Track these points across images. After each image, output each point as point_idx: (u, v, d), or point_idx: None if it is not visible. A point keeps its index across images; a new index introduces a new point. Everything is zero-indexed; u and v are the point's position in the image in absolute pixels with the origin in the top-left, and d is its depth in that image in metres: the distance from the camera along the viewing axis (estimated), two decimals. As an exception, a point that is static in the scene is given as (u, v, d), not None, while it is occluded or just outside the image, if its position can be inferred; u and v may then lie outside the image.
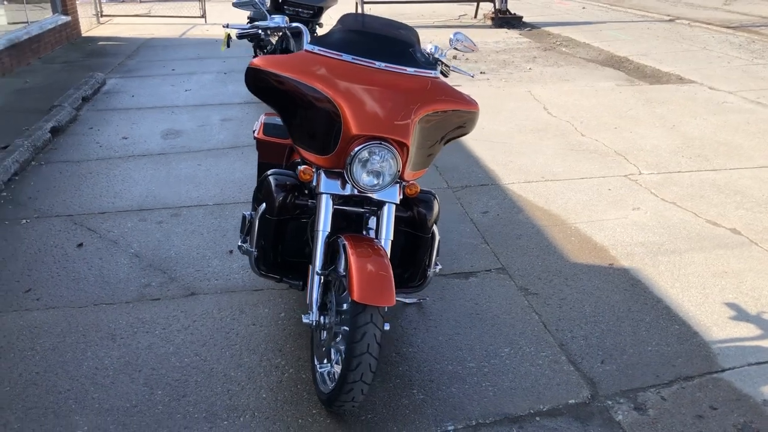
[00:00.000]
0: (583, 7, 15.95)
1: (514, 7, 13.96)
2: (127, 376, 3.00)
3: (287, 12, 7.53)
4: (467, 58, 9.90)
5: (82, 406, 2.83)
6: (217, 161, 5.59)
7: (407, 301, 3.52)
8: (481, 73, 8.91)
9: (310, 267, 2.81)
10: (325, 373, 2.76)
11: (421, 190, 3.11)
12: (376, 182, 2.71)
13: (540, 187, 5.06)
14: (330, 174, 2.78)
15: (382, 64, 2.80)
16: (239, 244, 3.16)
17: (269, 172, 3.01)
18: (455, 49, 3.28)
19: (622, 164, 5.52)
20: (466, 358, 3.12)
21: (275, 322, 3.37)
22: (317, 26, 7.36)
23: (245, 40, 7.46)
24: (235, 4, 3.09)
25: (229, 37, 3.22)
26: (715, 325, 3.37)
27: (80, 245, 4.18)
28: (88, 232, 4.37)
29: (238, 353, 3.14)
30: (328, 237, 2.78)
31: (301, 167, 2.79)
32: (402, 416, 2.76)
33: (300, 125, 2.82)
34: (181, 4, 15.67)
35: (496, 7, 13.23)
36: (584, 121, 6.70)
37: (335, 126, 2.69)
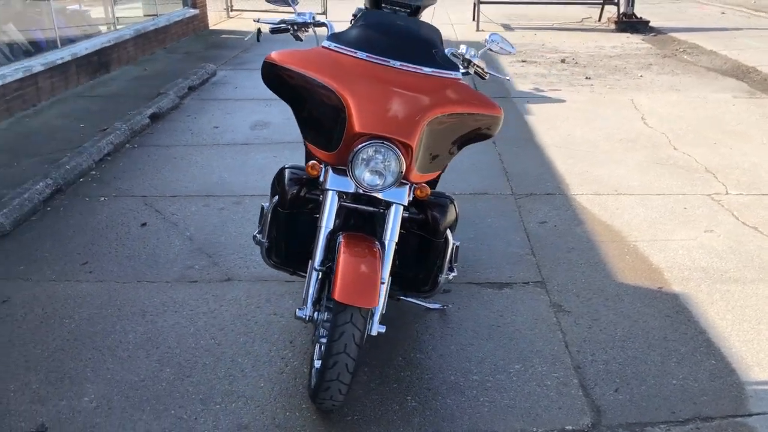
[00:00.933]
0: (722, 12, 14.92)
1: (642, 11, 13.28)
2: (144, 352, 3.16)
3: (385, 10, 7.58)
4: (576, 62, 9.55)
5: (96, 375, 3.01)
6: (292, 154, 5.74)
7: (430, 306, 3.47)
8: (586, 78, 8.56)
9: (310, 261, 2.83)
10: (313, 370, 2.78)
11: (436, 193, 3.06)
12: (378, 182, 2.68)
13: (609, 201, 4.81)
14: (337, 171, 2.78)
15: (398, 63, 2.77)
16: (254, 234, 3.24)
17: (286, 165, 3.05)
18: (490, 50, 3.19)
19: (709, 182, 5.13)
20: (472, 370, 3.04)
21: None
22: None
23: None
24: (268, 0, 3.16)
25: (259, 31, 3.29)
26: (758, 365, 3.07)
27: (143, 225, 4.44)
28: (155, 213, 4.62)
29: (250, 341, 3.23)
30: (333, 233, 2.78)
31: (310, 162, 2.81)
32: (387, 421, 2.73)
33: (308, 120, 2.84)
34: None
35: (621, 11, 12.66)
36: (681, 134, 6.29)
37: (340, 122, 2.69)
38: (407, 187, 2.81)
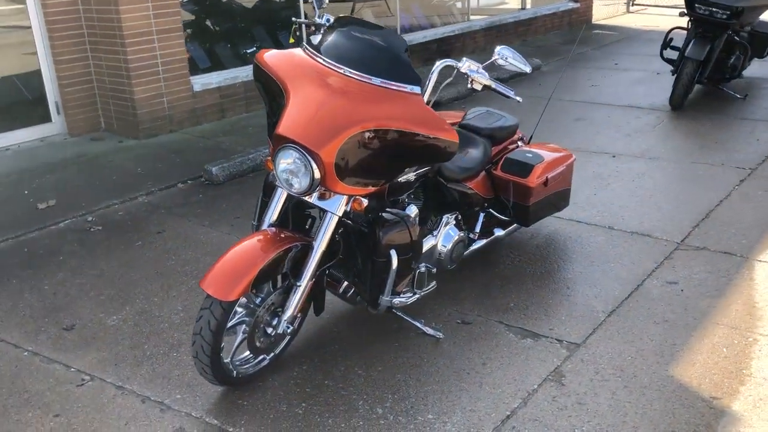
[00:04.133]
0: None
1: None
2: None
3: (699, 12, 6.62)
4: None
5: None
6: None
7: (427, 330, 3.29)
8: None
9: None
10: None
11: (393, 211, 2.95)
12: (295, 185, 2.74)
13: (799, 280, 3.66)
14: None
15: (348, 71, 2.74)
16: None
17: None
18: (497, 64, 2.87)
19: None
20: (388, 399, 2.87)
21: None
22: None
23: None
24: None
25: (296, 31, 3.45)
26: None
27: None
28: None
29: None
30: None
31: (267, 158, 2.99)
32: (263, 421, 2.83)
33: (268, 116, 3.00)
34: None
35: None
36: None
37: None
38: (342, 197, 2.80)
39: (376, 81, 2.72)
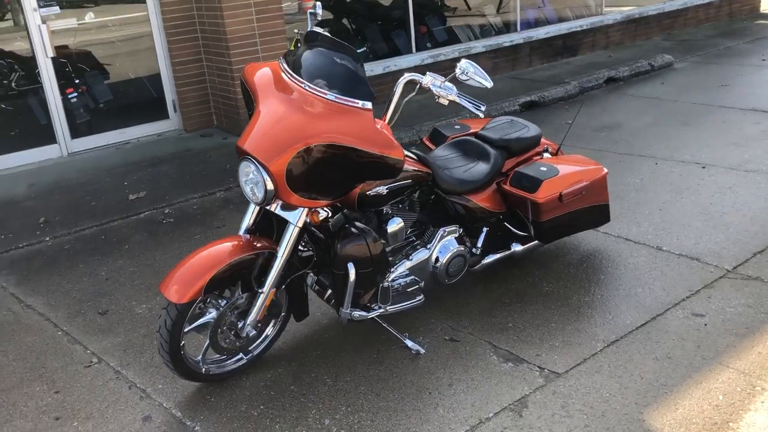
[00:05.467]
0: None
1: None
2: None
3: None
4: None
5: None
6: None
7: (408, 344, 3.26)
8: None
9: None
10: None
11: (360, 226, 2.97)
12: (254, 195, 2.84)
13: None
14: None
15: (307, 85, 2.79)
16: None
17: None
18: (457, 78, 2.79)
19: None
20: (340, 411, 2.90)
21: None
22: None
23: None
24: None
25: (297, 42, 3.49)
26: None
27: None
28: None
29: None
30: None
31: None
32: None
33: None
34: None
35: None
36: None
37: None
38: (302, 209, 2.87)
39: (330, 96, 2.74)
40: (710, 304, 3.42)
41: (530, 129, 3.72)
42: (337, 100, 2.73)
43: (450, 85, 2.86)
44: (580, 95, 7.28)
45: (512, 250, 3.68)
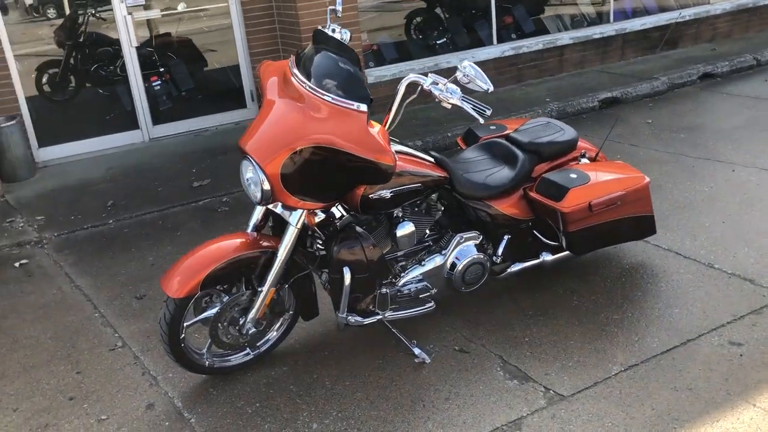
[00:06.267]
0: None
1: None
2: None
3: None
4: None
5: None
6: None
7: (415, 352, 3.16)
8: None
9: None
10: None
11: (360, 232, 2.91)
12: (255, 195, 2.84)
13: None
14: None
15: (309, 85, 2.75)
16: None
17: None
18: (456, 80, 2.67)
19: None
20: (330, 416, 2.85)
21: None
22: None
23: None
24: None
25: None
26: None
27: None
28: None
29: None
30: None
31: None
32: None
33: None
34: None
35: None
36: None
37: None
38: (300, 211, 2.85)
39: (328, 97, 2.69)
40: (752, 333, 3.10)
41: (566, 132, 3.50)
42: (334, 101, 2.68)
43: (454, 87, 2.74)
44: (669, 92, 6.82)
45: (541, 259, 3.49)
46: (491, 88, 2.73)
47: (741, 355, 2.97)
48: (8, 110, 6.00)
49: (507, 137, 3.51)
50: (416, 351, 3.17)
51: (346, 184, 2.78)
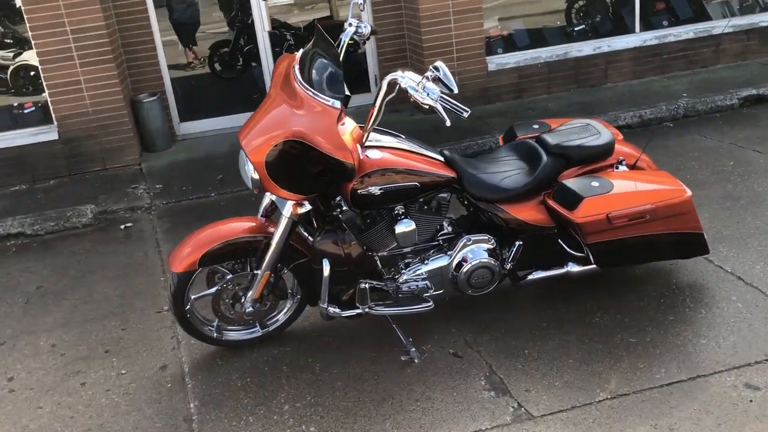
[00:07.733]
0: None
1: None
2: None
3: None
4: None
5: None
6: None
7: (410, 350, 3.14)
8: None
9: None
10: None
11: (339, 222, 2.96)
12: (247, 181, 2.98)
13: None
14: None
15: (299, 80, 2.83)
16: None
17: None
18: (426, 78, 2.63)
19: None
20: (304, 400, 2.94)
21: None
22: None
23: None
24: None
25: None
26: None
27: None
28: None
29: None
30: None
31: None
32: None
33: None
34: None
35: None
36: None
37: None
38: (291, 202, 2.95)
39: (310, 93, 2.74)
40: (777, 378, 2.71)
41: (602, 136, 3.24)
42: (314, 96, 2.73)
43: (432, 86, 2.67)
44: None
45: (566, 269, 3.28)
46: (456, 90, 2.62)
47: (751, 400, 2.61)
48: (153, 87, 6.67)
49: (537, 138, 3.32)
50: (409, 349, 3.15)
51: (319, 178, 2.82)
